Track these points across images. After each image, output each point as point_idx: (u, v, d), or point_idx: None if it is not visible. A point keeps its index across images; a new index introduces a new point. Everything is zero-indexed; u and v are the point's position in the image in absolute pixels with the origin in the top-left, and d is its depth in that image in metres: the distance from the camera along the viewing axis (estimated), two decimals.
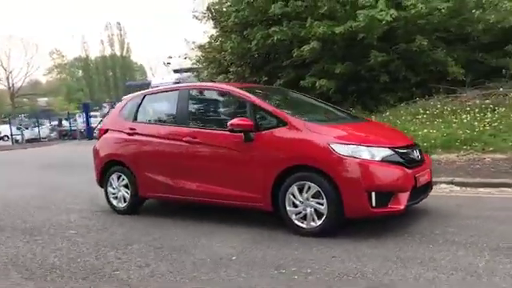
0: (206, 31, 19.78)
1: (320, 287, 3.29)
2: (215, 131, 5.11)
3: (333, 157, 4.24)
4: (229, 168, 4.92)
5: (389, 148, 4.43)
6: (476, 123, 9.39)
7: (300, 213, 4.45)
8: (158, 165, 5.52)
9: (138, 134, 5.78)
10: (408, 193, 4.28)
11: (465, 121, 9.73)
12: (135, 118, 5.97)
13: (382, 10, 11.29)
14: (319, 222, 4.34)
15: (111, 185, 6.06)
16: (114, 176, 6.02)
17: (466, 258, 3.63)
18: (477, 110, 10.27)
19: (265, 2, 14.15)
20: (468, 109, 10.55)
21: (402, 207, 4.22)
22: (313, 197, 4.36)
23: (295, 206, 4.47)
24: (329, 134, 4.46)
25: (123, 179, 5.92)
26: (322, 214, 4.32)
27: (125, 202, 5.94)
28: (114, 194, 6.05)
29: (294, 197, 4.46)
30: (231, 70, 15.39)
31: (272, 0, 14.16)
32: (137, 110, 5.99)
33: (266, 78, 14.94)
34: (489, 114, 9.77)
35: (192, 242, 4.53)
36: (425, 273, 3.37)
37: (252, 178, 4.71)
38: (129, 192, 5.87)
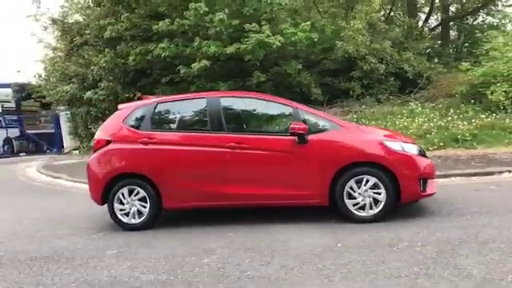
0: (46, 43, 18.00)
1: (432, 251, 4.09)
2: (263, 136, 5.42)
3: (390, 152, 5.12)
4: (282, 170, 5.29)
5: (413, 144, 5.53)
6: None
7: (358, 203, 5.15)
8: (194, 173, 5.44)
9: (159, 143, 5.55)
10: (435, 179, 5.44)
11: None
12: (151, 127, 5.69)
13: (268, 36, 12.60)
14: (377, 210, 5.12)
15: (119, 201, 5.61)
16: (125, 190, 5.59)
17: None
18: None
19: (142, 18, 14.08)
20: None
21: (435, 191, 5.34)
22: (371, 188, 5.12)
23: (353, 198, 5.15)
24: (378, 133, 5.32)
25: (138, 193, 5.57)
26: (379, 202, 5.11)
27: (140, 217, 5.59)
28: (123, 210, 5.61)
29: (353, 190, 5.14)
30: (102, 84, 14.59)
31: (150, 16, 14.21)
32: (151, 119, 5.73)
33: (139, 94, 14.66)
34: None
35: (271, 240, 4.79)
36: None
37: (308, 177, 5.21)
38: (147, 206, 5.56)
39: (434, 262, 3.88)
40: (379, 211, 5.11)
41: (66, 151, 18.81)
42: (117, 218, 5.64)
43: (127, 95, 14.76)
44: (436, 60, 18.02)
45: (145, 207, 5.57)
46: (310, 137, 5.21)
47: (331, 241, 4.63)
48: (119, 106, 6.10)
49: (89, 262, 4.59)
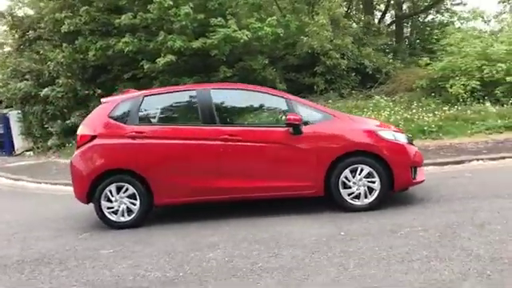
0: None
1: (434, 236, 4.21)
2: (257, 128, 5.36)
3: (383, 141, 5.21)
4: (277, 161, 5.25)
5: (401, 133, 5.66)
6: None
7: (353, 193, 5.20)
8: (186, 167, 5.29)
9: (149, 137, 5.36)
10: (423, 167, 5.59)
11: None
12: (139, 121, 5.47)
13: (235, 30, 12.51)
14: (372, 198, 5.19)
15: (107, 198, 5.37)
16: (112, 187, 5.36)
17: None
18: None
19: (101, 11, 13.60)
20: None
21: (424, 178, 5.49)
22: (365, 177, 5.19)
23: (348, 187, 5.20)
24: (370, 123, 5.39)
25: (126, 189, 5.35)
26: (374, 191, 5.19)
27: (129, 214, 5.38)
28: (111, 208, 5.38)
29: (348, 179, 5.19)
30: (60, 81, 13.93)
31: (109, 10, 13.75)
32: (138, 112, 5.51)
33: (99, 91, 14.19)
34: None
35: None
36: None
37: (304, 168, 5.20)
38: (136, 203, 5.35)
39: (441, 245, 3.98)
40: (374, 199, 5.19)
41: (17, 153, 17.81)
42: (105, 216, 5.39)
43: (87, 92, 14.21)
44: (391, 56, 18.56)
45: (134, 204, 5.37)
46: (305, 128, 5.21)
47: (333, 230, 4.65)
48: (102, 100, 5.84)
49: (84, 262, 4.37)
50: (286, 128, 5.21)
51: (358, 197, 5.21)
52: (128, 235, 5.14)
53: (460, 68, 12.35)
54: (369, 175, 5.19)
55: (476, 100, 11.82)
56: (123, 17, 12.58)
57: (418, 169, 5.44)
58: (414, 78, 14.62)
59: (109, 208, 5.38)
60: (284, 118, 5.34)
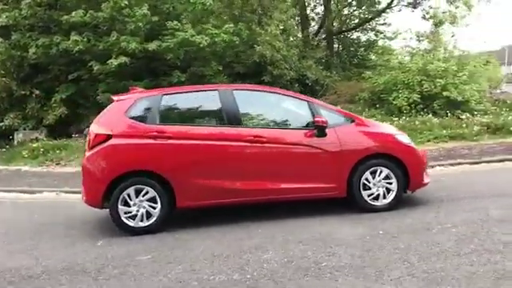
0: None
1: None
2: (281, 130, 5.38)
3: (401, 145, 5.51)
4: (302, 163, 5.30)
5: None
6: None
7: (373, 194, 5.42)
8: (210, 169, 5.13)
9: (172, 137, 5.12)
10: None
11: None
12: (157, 121, 5.20)
13: (193, 35, 12.34)
14: (390, 199, 5.45)
15: (125, 202, 5.03)
16: (131, 190, 5.03)
17: None
18: None
19: (43, 7, 12.65)
20: None
21: (429, 180, 5.87)
22: (383, 179, 5.43)
23: (368, 188, 5.41)
24: (388, 127, 5.66)
25: (146, 192, 5.06)
26: (391, 192, 5.45)
27: (148, 219, 5.08)
28: (129, 212, 5.04)
29: (368, 181, 5.40)
30: None
31: (49, 6, 12.85)
32: (159, 112, 5.24)
33: (37, 92, 13.14)
34: None
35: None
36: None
37: (328, 170, 5.32)
38: (157, 206, 5.07)
39: (480, 239, 4.29)
40: (392, 200, 5.44)
41: None
42: (122, 222, 5.04)
43: (23, 92, 13.06)
44: (327, 69, 19.49)
45: (154, 208, 5.08)
46: (328, 130, 5.33)
47: (368, 229, 4.79)
48: (114, 98, 5.47)
49: (128, 270, 4.06)
50: (310, 130, 5.30)
51: (377, 198, 5.43)
52: (153, 241, 4.86)
53: (403, 82, 13.35)
54: (386, 177, 5.44)
55: (417, 112, 12.85)
56: (74, 13, 11.80)
57: (425, 171, 5.81)
58: (354, 90, 15.52)
59: (126, 213, 5.04)
60: (307, 120, 5.41)
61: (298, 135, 5.34)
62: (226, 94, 5.38)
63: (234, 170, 5.19)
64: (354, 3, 22.06)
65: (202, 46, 12.23)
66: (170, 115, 5.42)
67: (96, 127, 5.21)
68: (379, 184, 5.41)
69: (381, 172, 5.41)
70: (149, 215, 5.08)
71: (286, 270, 3.85)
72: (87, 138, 5.27)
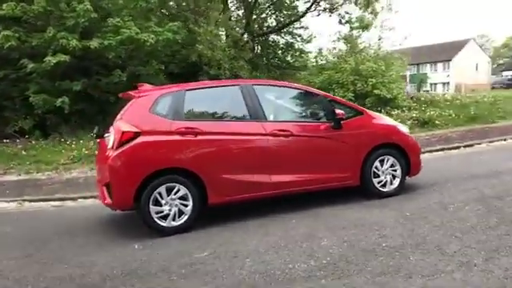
0: None
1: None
2: (302, 123, 5.55)
3: (403, 135, 6.00)
4: (322, 154, 5.53)
5: None
6: None
7: (381, 181, 5.83)
8: (240, 163, 5.13)
9: (201, 133, 5.02)
10: None
11: None
12: (183, 117, 5.06)
13: (138, 33, 11.88)
14: (396, 185, 5.90)
15: (156, 202, 4.83)
16: (162, 189, 4.85)
17: None
18: None
19: None
20: None
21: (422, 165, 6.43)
22: (390, 167, 5.88)
23: (377, 176, 5.81)
24: (388, 119, 6.11)
25: (178, 190, 4.91)
26: (396, 178, 5.91)
27: (180, 217, 4.94)
28: (160, 212, 4.86)
29: (377, 169, 5.80)
30: None
31: None
32: (184, 107, 5.08)
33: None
34: None
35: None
36: None
37: (344, 160, 5.62)
38: (189, 204, 4.95)
39: (496, 213, 4.85)
40: (397, 186, 5.90)
41: None
42: (154, 222, 4.84)
43: None
44: (252, 69, 19.89)
45: (186, 206, 4.95)
46: (343, 122, 5.63)
47: (395, 212, 5.14)
48: (133, 93, 5.19)
49: (198, 268, 3.95)
50: (328, 123, 5.55)
51: (384, 184, 5.85)
52: (190, 240, 4.75)
53: (337, 81, 14.21)
54: (392, 165, 5.88)
55: None
56: (5, 6, 10.68)
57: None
58: None
59: (157, 212, 4.84)
60: (324, 113, 5.66)
61: (317, 128, 5.57)
62: (247, 88, 5.41)
63: (261, 163, 5.25)
64: (272, 7, 22.74)
65: (148, 44, 11.79)
66: (195, 111, 5.30)
67: (123, 125, 4.91)
68: (386, 172, 5.84)
69: (387, 160, 5.84)
70: (180, 214, 4.94)
71: (355, 253, 4.02)
72: (112, 137, 4.92)
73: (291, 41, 23.88)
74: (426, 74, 50.40)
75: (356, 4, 19.87)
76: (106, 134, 5.21)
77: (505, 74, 51.84)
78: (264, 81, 6.39)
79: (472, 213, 4.93)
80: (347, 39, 15.69)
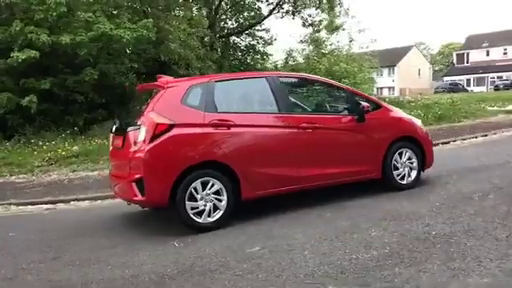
0: None
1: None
2: (328, 115, 5.49)
3: (418, 128, 6.10)
4: (347, 148, 5.50)
5: None
6: None
7: (400, 174, 5.88)
8: (271, 157, 4.99)
9: (234, 125, 4.83)
10: None
11: None
12: (215, 109, 4.84)
13: (112, 29, 11.39)
14: (413, 177, 5.98)
15: (191, 197, 4.59)
16: (198, 184, 4.61)
17: None
18: None
19: None
20: None
21: None
22: (407, 159, 5.95)
23: (396, 169, 5.87)
24: (403, 112, 6.19)
25: (212, 185, 4.69)
26: (413, 171, 5.99)
27: (214, 213, 4.72)
28: (196, 208, 4.62)
29: (396, 162, 5.86)
30: None
31: None
32: (214, 99, 4.87)
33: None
34: None
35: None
36: None
37: (368, 153, 5.62)
38: (223, 199, 4.74)
39: None
40: (414, 178, 5.98)
41: None
42: (190, 219, 4.59)
43: None
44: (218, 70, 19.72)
45: (220, 201, 4.74)
46: (365, 115, 5.64)
47: (424, 203, 5.17)
48: (161, 84, 4.90)
49: (258, 262, 3.78)
50: (352, 115, 5.54)
51: (403, 177, 5.91)
52: (227, 236, 4.55)
53: None
54: (409, 158, 5.97)
55: None
56: None
57: None
58: None
59: (193, 208, 4.60)
60: (347, 106, 5.64)
61: (343, 121, 5.54)
62: (273, 80, 5.29)
63: (291, 157, 5.14)
64: (234, 9, 22.70)
65: (125, 41, 11.33)
66: (225, 102, 5.10)
67: (156, 116, 4.61)
68: (404, 164, 5.91)
69: (405, 153, 5.91)
70: (214, 210, 4.72)
71: (411, 242, 3.98)
72: (143, 129, 4.60)
73: (252, 43, 23.96)
74: (373, 78, 52.23)
75: (318, 8, 20.27)
76: (130, 128, 4.88)
77: (445, 79, 54.79)
78: (288, 73, 6.23)
79: (498, 201, 5.07)
80: (317, 41, 15.92)
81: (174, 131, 4.59)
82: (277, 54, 22.31)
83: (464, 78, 51.38)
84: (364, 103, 5.53)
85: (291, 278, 3.42)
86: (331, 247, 3.99)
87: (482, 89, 45.92)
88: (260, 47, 23.71)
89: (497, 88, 40.28)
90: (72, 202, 7.06)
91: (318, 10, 20.42)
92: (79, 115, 13.05)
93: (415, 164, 5.98)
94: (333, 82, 6.22)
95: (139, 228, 5.20)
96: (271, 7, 21.42)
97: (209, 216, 4.69)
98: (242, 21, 23.35)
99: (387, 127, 5.83)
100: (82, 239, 4.88)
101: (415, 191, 5.77)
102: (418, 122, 6.27)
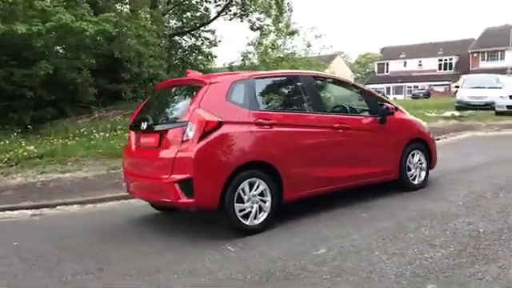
0: None
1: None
2: (356, 116, 5.49)
3: (425, 130, 6.30)
4: (372, 148, 5.53)
5: None
6: None
7: (413, 174, 6.05)
8: (310, 157, 4.88)
9: (276, 124, 4.64)
10: None
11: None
12: (258, 106, 4.62)
13: (73, 21, 10.56)
14: (422, 178, 6.17)
15: (239, 199, 4.35)
16: (245, 185, 4.37)
17: None
18: None
19: None
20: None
21: None
22: (418, 160, 6.13)
23: (409, 169, 6.02)
24: (409, 114, 6.36)
25: (258, 186, 4.48)
26: (422, 172, 6.19)
27: (260, 215, 4.51)
28: (243, 210, 4.38)
29: (410, 163, 6.01)
30: None
31: None
32: (255, 96, 4.64)
33: None
34: None
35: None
36: None
37: (388, 154, 5.70)
38: (267, 200, 4.54)
39: None
40: (424, 179, 6.18)
41: None
42: (239, 221, 4.33)
43: None
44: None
45: (265, 202, 4.54)
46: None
47: (446, 203, 5.30)
48: (203, 79, 4.57)
49: (338, 265, 3.65)
50: (375, 117, 5.61)
51: (414, 178, 6.08)
52: (278, 237, 4.37)
53: None
54: (419, 159, 6.15)
55: None
56: None
57: None
58: None
59: (241, 210, 4.37)
60: (368, 108, 5.69)
61: (368, 122, 5.58)
62: (308, 80, 5.20)
63: (327, 157, 5.07)
64: (180, 8, 22.16)
65: (88, 34, 10.56)
66: (266, 100, 4.91)
67: (204, 113, 4.29)
68: (416, 165, 6.08)
69: (416, 154, 6.09)
70: (259, 211, 4.52)
71: (468, 240, 4.02)
72: (191, 126, 4.25)
73: (198, 43, 23.52)
74: None
75: (267, 13, 20.41)
76: (169, 125, 4.52)
77: (368, 87, 57.68)
78: (320, 73, 6.08)
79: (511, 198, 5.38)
80: (273, 45, 16.03)
81: (223, 129, 4.32)
82: (234, 56, 22.09)
83: (384, 86, 54.53)
84: (388, 104, 5.61)
85: (384, 280, 3.34)
86: (398, 247, 3.96)
87: (401, 97, 49.09)
88: (205, 48, 23.36)
89: (415, 96, 43.28)
90: (59, 207, 6.40)
91: (265, 15, 20.66)
92: (25, 112, 11.93)
93: (424, 165, 6.18)
94: (356, 83, 6.25)
95: (168, 231, 4.83)
96: (219, 9, 21.18)
97: (255, 218, 4.47)
98: (185, 21, 22.85)
99: (403, 129, 5.97)
100: (110, 246, 4.42)
101: (426, 191, 5.96)
102: (425, 125, 6.49)
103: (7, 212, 6.24)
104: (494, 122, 14.87)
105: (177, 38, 23.30)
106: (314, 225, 4.70)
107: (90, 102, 13.42)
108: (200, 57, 23.29)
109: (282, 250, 4.02)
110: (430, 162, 6.29)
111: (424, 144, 6.19)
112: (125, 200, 6.63)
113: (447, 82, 48.39)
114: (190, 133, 4.24)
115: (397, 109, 6.04)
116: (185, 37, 23.36)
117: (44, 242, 4.68)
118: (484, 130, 13.84)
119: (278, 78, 5.36)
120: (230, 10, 21.41)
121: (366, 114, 5.69)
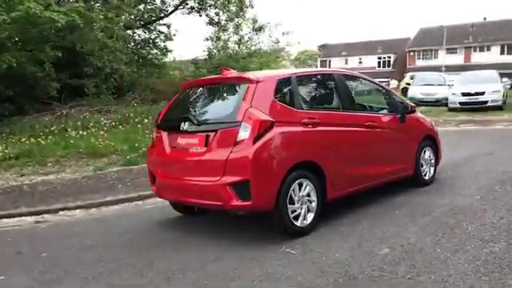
0: None
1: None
2: (382, 114, 5.54)
3: (434, 128, 6.50)
4: (395, 146, 5.62)
5: None
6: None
7: (425, 170, 6.22)
8: (349, 155, 4.87)
9: (320, 123, 4.57)
10: None
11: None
12: (301, 106, 4.53)
13: (42, 10, 9.80)
14: (432, 173, 6.36)
15: (290, 200, 4.24)
16: (296, 185, 4.28)
17: None
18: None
19: None
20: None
21: None
22: (428, 157, 6.32)
23: (422, 165, 6.19)
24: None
25: (306, 186, 4.40)
26: (431, 168, 6.38)
27: (307, 216, 4.43)
28: (294, 211, 4.29)
29: (422, 159, 6.18)
30: None
31: None
32: (299, 95, 4.53)
33: None
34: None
35: None
36: None
37: (407, 151, 5.83)
38: (314, 200, 4.47)
39: None
40: (432, 175, 6.38)
41: None
42: (290, 222, 4.23)
43: None
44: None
45: (311, 203, 4.47)
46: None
47: (464, 198, 5.52)
48: (250, 78, 4.37)
49: (413, 264, 3.66)
50: (396, 115, 5.70)
51: (425, 174, 6.26)
52: (328, 237, 4.33)
53: None
54: (429, 155, 6.34)
55: None
56: None
57: None
58: (168, 87, 15.43)
59: (292, 212, 4.27)
60: (388, 106, 5.78)
61: (391, 119, 5.65)
62: (340, 78, 5.17)
63: (361, 155, 5.10)
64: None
65: (59, 25, 9.86)
66: (307, 99, 4.81)
67: (257, 112, 4.11)
68: (427, 161, 6.27)
69: (427, 151, 6.28)
70: (308, 212, 4.44)
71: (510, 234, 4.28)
72: (245, 127, 4.05)
73: (152, 37, 22.75)
74: None
75: (225, 8, 20.18)
76: (217, 126, 4.31)
77: None
78: (348, 71, 5.96)
79: None
80: (240, 40, 15.88)
81: (275, 129, 4.18)
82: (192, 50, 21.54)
83: None
84: (409, 103, 5.72)
85: (464, 277, 3.37)
86: (453, 243, 4.03)
87: None
88: (159, 42, 22.66)
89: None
90: (61, 212, 5.94)
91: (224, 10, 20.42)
92: None
93: (433, 161, 6.38)
94: (378, 82, 6.30)
95: (205, 235, 4.62)
96: (177, 3, 20.61)
97: (304, 219, 4.38)
98: (138, 13, 22.01)
99: (417, 127, 6.13)
100: (159, 254, 4.14)
101: (438, 187, 6.15)
102: (430, 120, 6.70)
103: (4, 220, 5.69)
104: (449, 118, 15.66)
105: (129, 31, 22.48)
106: (359, 224, 4.69)
107: (50, 97, 12.60)
108: (154, 51, 22.63)
109: (344, 251, 3.96)
110: (437, 157, 6.51)
111: (432, 140, 6.39)
112: (130, 202, 6.35)
113: (386, 79, 50.53)
114: (245, 133, 4.06)
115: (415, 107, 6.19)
116: (138, 30, 22.55)
117: (71, 251, 4.32)
118: (443, 126, 14.55)
119: (315, 77, 5.29)
120: (188, 4, 20.91)
121: (388, 111, 5.77)
